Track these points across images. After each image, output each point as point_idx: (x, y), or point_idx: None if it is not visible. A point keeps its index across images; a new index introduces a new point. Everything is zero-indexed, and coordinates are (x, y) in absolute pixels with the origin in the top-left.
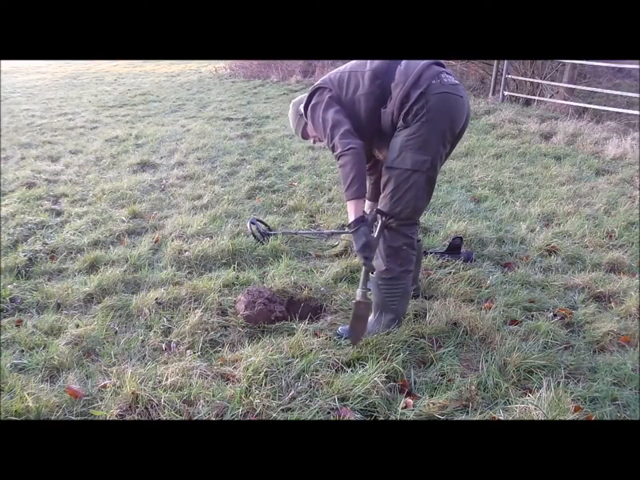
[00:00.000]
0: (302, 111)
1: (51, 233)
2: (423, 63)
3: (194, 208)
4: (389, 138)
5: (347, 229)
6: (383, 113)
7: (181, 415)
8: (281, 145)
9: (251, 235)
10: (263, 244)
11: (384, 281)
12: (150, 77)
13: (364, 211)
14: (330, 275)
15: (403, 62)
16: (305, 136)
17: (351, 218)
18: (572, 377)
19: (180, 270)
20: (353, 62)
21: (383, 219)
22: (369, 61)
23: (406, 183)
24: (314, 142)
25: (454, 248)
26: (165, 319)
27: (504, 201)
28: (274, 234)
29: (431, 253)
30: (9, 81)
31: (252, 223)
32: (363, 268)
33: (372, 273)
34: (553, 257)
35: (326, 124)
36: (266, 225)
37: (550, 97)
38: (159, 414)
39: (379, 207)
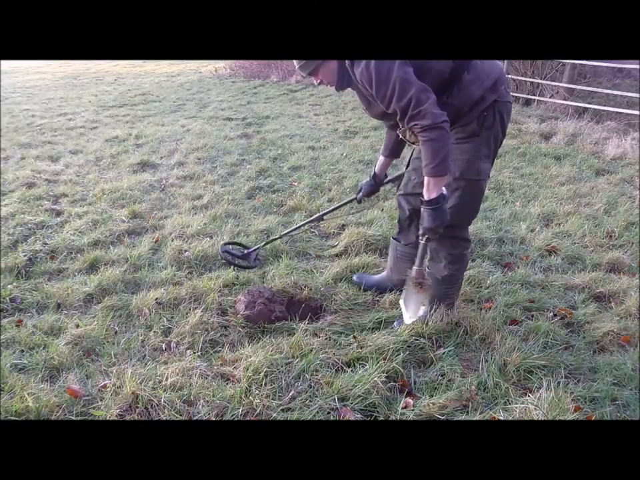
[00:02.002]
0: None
1: (51, 232)
2: (499, 66)
3: (194, 208)
4: None
5: (424, 205)
6: (445, 104)
7: (180, 415)
8: (281, 145)
9: (228, 263)
10: (246, 268)
11: (445, 282)
12: (150, 77)
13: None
14: (330, 275)
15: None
16: (313, 74)
17: (434, 194)
18: (572, 376)
19: (180, 270)
20: None
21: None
22: None
23: (475, 192)
24: (318, 84)
25: None
26: (165, 319)
27: (504, 201)
28: (253, 250)
29: None
30: (9, 81)
31: (224, 251)
32: (422, 245)
33: (430, 269)
34: (553, 257)
35: (407, 85)
36: (240, 244)
37: (550, 97)
38: (158, 414)
39: None
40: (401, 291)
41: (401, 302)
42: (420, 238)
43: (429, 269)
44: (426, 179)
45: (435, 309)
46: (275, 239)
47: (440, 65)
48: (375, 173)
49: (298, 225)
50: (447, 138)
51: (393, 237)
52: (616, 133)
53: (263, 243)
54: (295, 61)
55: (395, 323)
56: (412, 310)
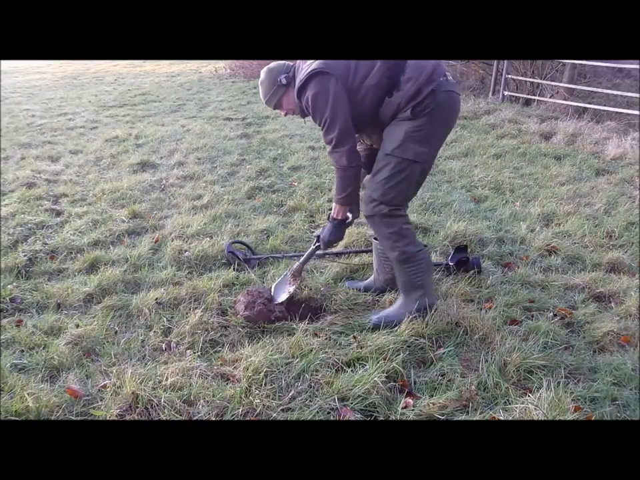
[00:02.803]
0: (283, 81)
1: (51, 232)
2: (432, 60)
3: (194, 208)
4: (383, 125)
5: (330, 221)
6: (387, 102)
7: (180, 415)
8: (281, 144)
9: (229, 261)
10: (243, 270)
11: (406, 264)
12: (150, 76)
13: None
14: (330, 275)
15: None
16: (278, 107)
17: (339, 216)
18: (572, 376)
19: (180, 270)
20: None
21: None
22: None
23: (403, 172)
24: (285, 114)
25: (462, 262)
26: (165, 319)
27: (504, 201)
28: (257, 258)
29: (434, 266)
30: (8, 81)
31: (229, 251)
32: (311, 249)
33: (388, 255)
34: (553, 256)
35: (334, 124)
36: (248, 246)
37: (550, 97)
38: (158, 414)
39: (368, 193)
40: (391, 290)
41: (273, 285)
42: (314, 243)
43: (388, 255)
44: (334, 203)
45: (413, 301)
46: (278, 257)
47: (376, 80)
48: None
49: (307, 254)
50: (356, 179)
51: (374, 238)
52: (616, 133)
53: (265, 256)
54: (262, 97)
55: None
56: (277, 294)
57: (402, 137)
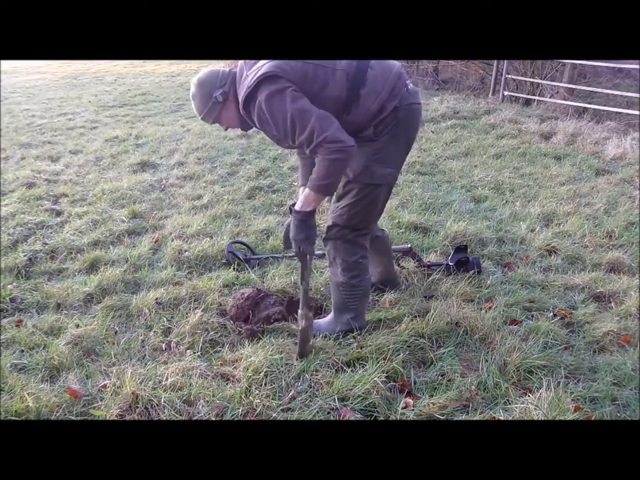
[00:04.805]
0: (219, 99)
1: (51, 232)
2: (393, 70)
3: (194, 208)
4: None
5: (293, 214)
6: (345, 121)
7: (180, 415)
8: None
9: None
10: (243, 270)
11: (344, 288)
12: (150, 76)
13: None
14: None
15: (374, 64)
16: (217, 121)
17: (306, 207)
18: (572, 376)
19: (180, 270)
20: None
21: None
22: None
23: (369, 196)
24: (226, 129)
25: (462, 262)
26: (164, 319)
27: (504, 201)
28: (257, 259)
29: (433, 265)
30: (9, 81)
31: (229, 251)
32: (301, 268)
33: (330, 275)
34: (553, 257)
35: (306, 115)
36: (248, 246)
37: (550, 97)
38: (158, 414)
39: (331, 217)
40: (380, 287)
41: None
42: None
43: (329, 274)
44: (307, 190)
45: (343, 321)
46: (278, 257)
47: (336, 91)
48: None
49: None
50: (346, 164)
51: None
52: (616, 133)
53: (265, 256)
54: (196, 113)
55: None
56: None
57: (364, 162)
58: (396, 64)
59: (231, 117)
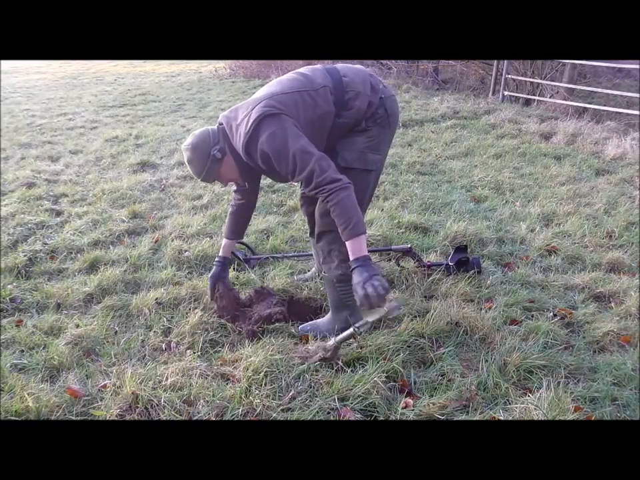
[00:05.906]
0: (217, 156)
1: (51, 232)
2: (364, 71)
3: (194, 208)
4: (333, 145)
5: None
6: (337, 124)
7: (180, 415)
8: None
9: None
10: (243, 270)
11: (340, 283)
12: (150, 76)
13: None
14: None
15: (346, 72)
16: (217, 179)
17: (362, 251)
18: (572, 376)
19: (180, 270)
20: (285, 82)
21: None
22: (307, 79)
23: (361, 182)
24: (226, 184)
25: (462, 262)
26: (164, 319)
27: (504, 201)
28: (256, 259)
29: (433, 265)
30: (9, 81)
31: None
32: (348, 331)
33: (324, 273)
34: (553, 257)
35: (307, 156)
36: (248, 246)
37: (550, 97)
38: (158, 414)
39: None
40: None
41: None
42: (353, 326)
43: (324, 273)
44: (347, 243)
45: (340, 319)
46: (278, 257)
47: (326, 107)
48: (221, 256)
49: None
50: (354, 197)
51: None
52: (616, 133)
53: (265, 256)
54: (195, 176)
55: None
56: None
57: (359, 149)
58: (361, 66)
59: (231, 171)
